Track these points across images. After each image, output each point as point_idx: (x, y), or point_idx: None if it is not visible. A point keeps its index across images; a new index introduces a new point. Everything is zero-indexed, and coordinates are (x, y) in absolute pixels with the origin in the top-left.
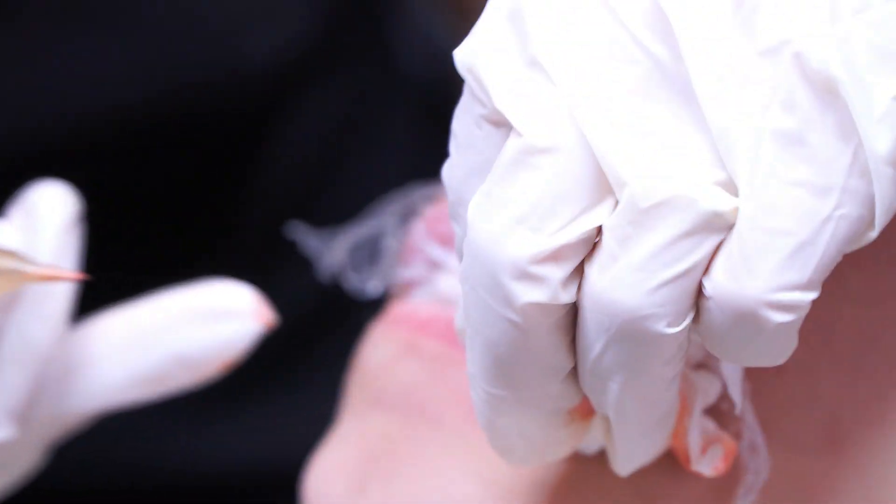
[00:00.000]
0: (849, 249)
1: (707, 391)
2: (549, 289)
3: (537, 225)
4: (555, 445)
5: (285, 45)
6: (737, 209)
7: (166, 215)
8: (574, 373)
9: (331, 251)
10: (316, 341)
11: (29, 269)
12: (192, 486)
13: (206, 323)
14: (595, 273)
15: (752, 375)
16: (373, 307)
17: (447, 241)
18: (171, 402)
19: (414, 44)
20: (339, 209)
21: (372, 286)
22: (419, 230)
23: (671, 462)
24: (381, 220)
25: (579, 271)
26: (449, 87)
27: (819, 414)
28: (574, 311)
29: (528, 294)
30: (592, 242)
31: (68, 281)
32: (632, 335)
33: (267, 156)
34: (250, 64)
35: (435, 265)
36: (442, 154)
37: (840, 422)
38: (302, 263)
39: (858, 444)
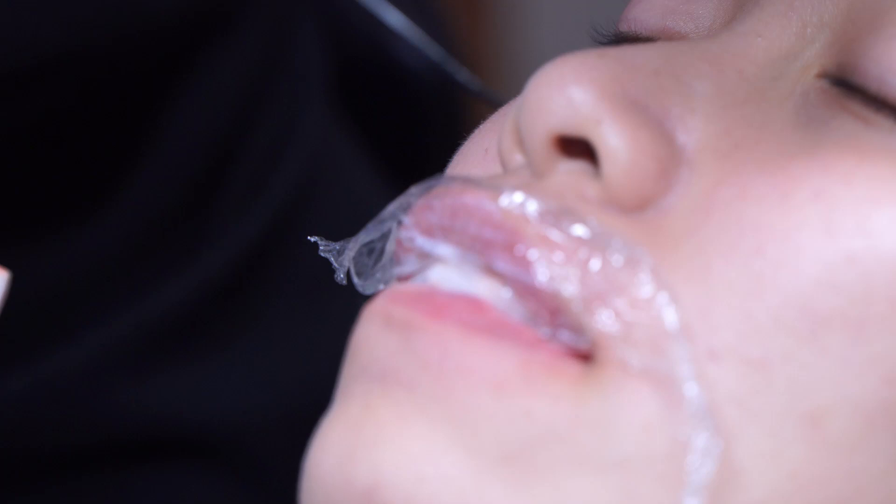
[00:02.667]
0: None
1: None
2: None
3: None
4: None
5: None
6: None
7: (72, 159)
8: None
9: (340, 260)
10: (261, 289)
11: None
12: (142, 440)
13: None
14: None
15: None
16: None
17: (432, 231)
18: (124, 356)
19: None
20: (254, 165)
21: (373, 289)
22: (408, 225)
23: None
24: (382, 223)
25: None
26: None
27: (803, 406)
28: None
29: None
30: None
31: None
32: None
33: (176, 107)
34: (156, 8)
35: (425, 257)
36: (361, 109)
37: (825, 415)
38: (223, 214)
39: (844, 437)
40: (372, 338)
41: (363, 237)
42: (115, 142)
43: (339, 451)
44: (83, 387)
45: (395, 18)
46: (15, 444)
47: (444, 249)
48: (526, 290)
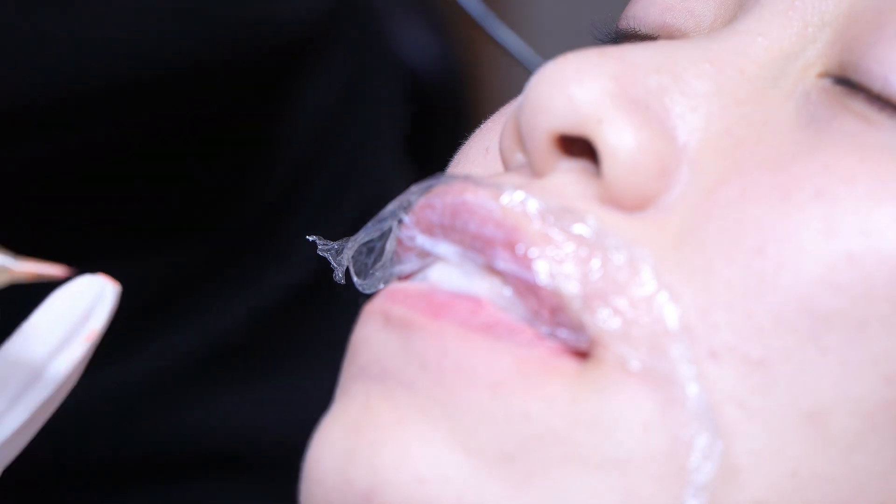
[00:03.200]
0: None
1: None
2: None
3: None
4: None
5: (307, 11)
6: None
7: (180, 167)
8: None
9: (339, 259)
10: (320, 312)
11: (17, 267)
12: (196, 455)
13: (68, 316)
14: None
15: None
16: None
17: (433, 230)
18: (171, 374)
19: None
20: (324, 193)
21: (373, 288)
22: (409, 224)
23: None
24: (382, 222)
25: None
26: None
27: (804, 405)
28: None
29: None
30: None
31: (56, 278)
32: None
33: (284, 118)
34: (275, 25)
35: (426, 256)
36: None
37: (825, 414)
38: (306, 232)
39: (844, 436)
40: (371, 337)
41: (362, 236)
42: (207, 164)
43: (338, 451)
44: (142, 401)
45: None
46: (71, 456)
47: (444, 248)
48: (526, 289)
